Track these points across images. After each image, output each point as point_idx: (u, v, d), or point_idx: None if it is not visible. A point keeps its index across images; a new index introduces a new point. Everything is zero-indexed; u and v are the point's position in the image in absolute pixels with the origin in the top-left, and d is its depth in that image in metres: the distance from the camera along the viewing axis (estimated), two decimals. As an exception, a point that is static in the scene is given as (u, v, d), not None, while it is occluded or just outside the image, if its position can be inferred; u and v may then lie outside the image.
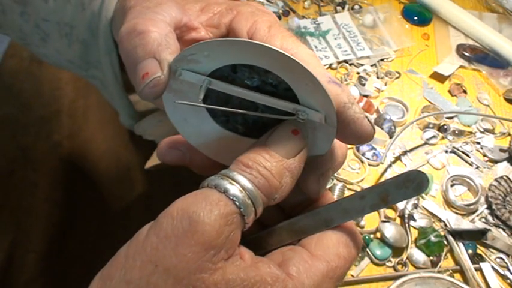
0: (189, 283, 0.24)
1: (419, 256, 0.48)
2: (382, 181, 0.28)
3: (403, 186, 0.27)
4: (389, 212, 0.51)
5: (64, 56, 0.43)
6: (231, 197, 0.26)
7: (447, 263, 0.49)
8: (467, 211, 0.52)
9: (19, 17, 0.41)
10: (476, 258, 0.48)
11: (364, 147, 0.56)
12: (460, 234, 0.49)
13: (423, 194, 0.52)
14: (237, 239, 0.26)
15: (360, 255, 0.48)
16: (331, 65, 0.63)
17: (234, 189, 0.26)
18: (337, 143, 0.33)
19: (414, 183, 0.27)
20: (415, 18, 0.70)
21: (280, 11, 0.69)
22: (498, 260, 0.49)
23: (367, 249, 0.48)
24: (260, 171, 0.27)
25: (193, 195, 0.26)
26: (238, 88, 0.30)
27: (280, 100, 0.30)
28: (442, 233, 0.49)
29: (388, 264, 0.48)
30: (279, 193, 0.28)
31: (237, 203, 0.26)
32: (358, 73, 0.63)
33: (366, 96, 0.61)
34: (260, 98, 0.30)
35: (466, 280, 0.47)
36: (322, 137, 0.31)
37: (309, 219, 0.30)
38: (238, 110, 0.31)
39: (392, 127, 0.57)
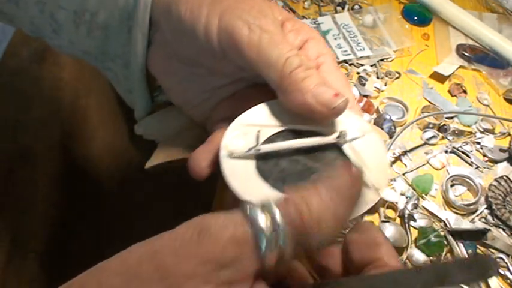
0: (176, 285, 0.24)
1: (419, 256, 0.48)
2: (445, 260, 0.27)
3: (467, 269, 0.25)
4: (390, 212, 0.51)
5: (79, 47, 0.42)
6: (251, 221, 0.25)
7: (447, 263, 0.49)
8: (467, 211, 0.52)
9: (34, 6, 0.40)
10: (476, 258, 0.48)
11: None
12: (460, 234, 0.49)
13: (423, 194, 0.52)
14: (248, 268, 0.24)
15: (360, 255, 0.48)
16: (331, 65, 0.63)
17: (258, 215, 0.25)
18: None
19: (480, 269, 0.25)
20: (415, 18, 0.70)
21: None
22: (498, 260, 0.49)
23: (367, 249, 0.48)
24: (297, 205, 0.26)
25: (223, 212, 0.26)
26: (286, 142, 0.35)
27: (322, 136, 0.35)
28: (442, 233, 0.49)
29: (388, 264, 0.48)
30: (315, 235, 0.26)
31: (255, 229, 0.24)
32: (358, 73, 0.63)
33: (365, 96, 0.61)
34: (306, 141, 0.35)
35: (466, 280, 0.47)
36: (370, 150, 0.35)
37: (356, 282, 0.29)
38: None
39: (392, 127, 0.57)
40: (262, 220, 0.25)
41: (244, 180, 0.33)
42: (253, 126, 0.36)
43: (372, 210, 0.35)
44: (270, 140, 0.36)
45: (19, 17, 0.42)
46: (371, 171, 0.33)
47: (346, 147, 0.36)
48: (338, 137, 0.35)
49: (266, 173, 0.34)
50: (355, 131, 0.36)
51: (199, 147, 0.37)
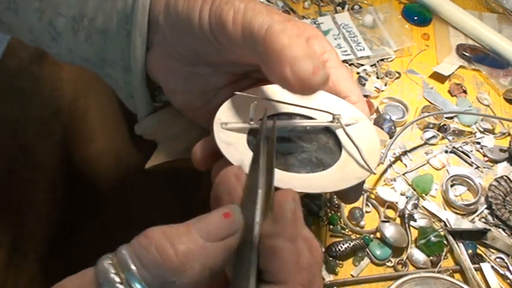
0: None
1: (419, 256, 0.48)
2: None
3: None
4: (390, 212, 0.51)
5: (78, 54, 0.42)
6: (100, 276, 0.24)
7: (447, 263, 0.49)
8: (467, 211, 0.52)
9: (32, 14, 0.40)
10: (476, 258, 0.48)
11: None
12: (460, 234, 0.49)
13: (423, 194, 0.52)
14: None
15: (360, 255, 0.48)
16: (331, 65, 0.63)
17: (106, 267, 0.24)
18: None
19: None
20: (415, 18, 0.70)
21: (280, 11, 0.69)
22: (498, 260, 0.49)
23: (367, 249, 0.48)
24: (158, 245, 0.24)
25: (79, 273, 0.25)
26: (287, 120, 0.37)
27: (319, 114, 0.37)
28: (442, 233, 0.49)
29: (388, 264, 0.48)
30: (178, 276, 0.24)
31: (99, 277, 0.24)
32: (358, 73, 0.63)
33: (366, 96, 0.61)
34: (300, 123, 0.36)
35: (466, 280, 0.47)
36: (363, 134, 0.36)
37: None
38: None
39: (392, 127, 0.57)
40: (111, 272, 0.23)
41: (234, 149, 0.33)
42: (248, 103, 0.36)
43: (361, 186, 0.36)
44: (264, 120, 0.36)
45: (18, 25, 0.42)
46: (363, 153, 0.35)
47: (339, 132, 0.37)
48: (331, 121, 0.36)
49: (256, 148, 0.34)
50: (348, 118, 0.37)
51: (202, 139, 0.37)
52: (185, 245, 0.24)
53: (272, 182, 0.28)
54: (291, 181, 0.33)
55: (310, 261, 0.26)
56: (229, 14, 0.34)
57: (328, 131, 0.37)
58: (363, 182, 0.37)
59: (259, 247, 0.26)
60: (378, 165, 0.54)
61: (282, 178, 0.33)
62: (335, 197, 0.51)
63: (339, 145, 0.37)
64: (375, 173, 0.35)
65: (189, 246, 0.24)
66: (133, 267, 0.24)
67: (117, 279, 0.23)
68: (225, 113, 0.36)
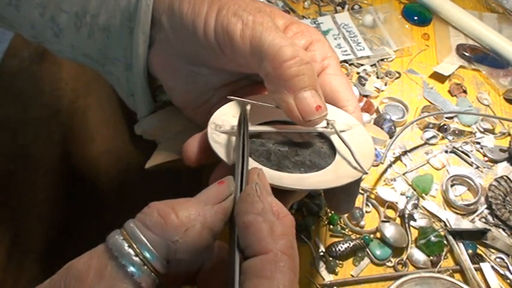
0: None
1: (419, 256, 0.48)
2: None
3: None
4: (390, 212, 0.51)
5: (80, 50, 0.42)
6: (110, 248, 0.25)
7: (447, 263, 0.49)
8: (467, 211, 0.52)
9: (34, 10, 0.40)
10: (476, 258, 0.48)
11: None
12: (460, 234, 0.49)
13: (423, 194, 0.52)
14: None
15: (360, 255, 0.48)
16: (331, 65, 0.63)
17: (116, 238, 0.26)
18: None
19: None
20: (415, 18, 0.70)
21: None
22: (498, 260, 0.49)
23: (367, 249, 0.48)
24: (160, 210, 0.26)
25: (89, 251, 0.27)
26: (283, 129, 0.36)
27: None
28: (442, 233, 0.49)
29: (388, 264, 0.48)
30: (180, 235, 0.26)
31: (109, 245, 0.25)
32: (358, 73, 0.63)
33: (366, 96, 0.61)
34: (293, 127, 0.36)
35: (466, 280, 0.47)
36: (360, 139, 0.36)
37: None
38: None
39: (392, 127, 0.57)
40: (125, 245, 0.25)
41: (228, 150, 0.33)
42: (242, 109, 0.36)
43: (354, 185, 0.36)
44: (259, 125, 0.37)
45: (19, 21, 0.42)
46: (356, 155, 0.35)
47: (333, 137, 0.37)
48: (325, 126, 0.36)
49: (251, 150, 0.34)
50: (343, 124, 0.37)
51: (192, 136, 0.37)
52: (186, 210, 0.26)
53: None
54: (282, 179, 0.33)
55: (283, 229, 0.27)
56: (237, 26, 0.34)
57: (323, 137, 0.38)
58: (356, 192, 0.38)
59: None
60: (378, 165, 0.55)
61: (274, 176, 0.33)
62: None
63: (333, 150, 0.37)
64: (367, 173, 0.35)
65: (189, 210, 0.26)
66: (141, 235, 0.26)
67: (132, 251, 0.25)
68: (220, 116, 0.36)
